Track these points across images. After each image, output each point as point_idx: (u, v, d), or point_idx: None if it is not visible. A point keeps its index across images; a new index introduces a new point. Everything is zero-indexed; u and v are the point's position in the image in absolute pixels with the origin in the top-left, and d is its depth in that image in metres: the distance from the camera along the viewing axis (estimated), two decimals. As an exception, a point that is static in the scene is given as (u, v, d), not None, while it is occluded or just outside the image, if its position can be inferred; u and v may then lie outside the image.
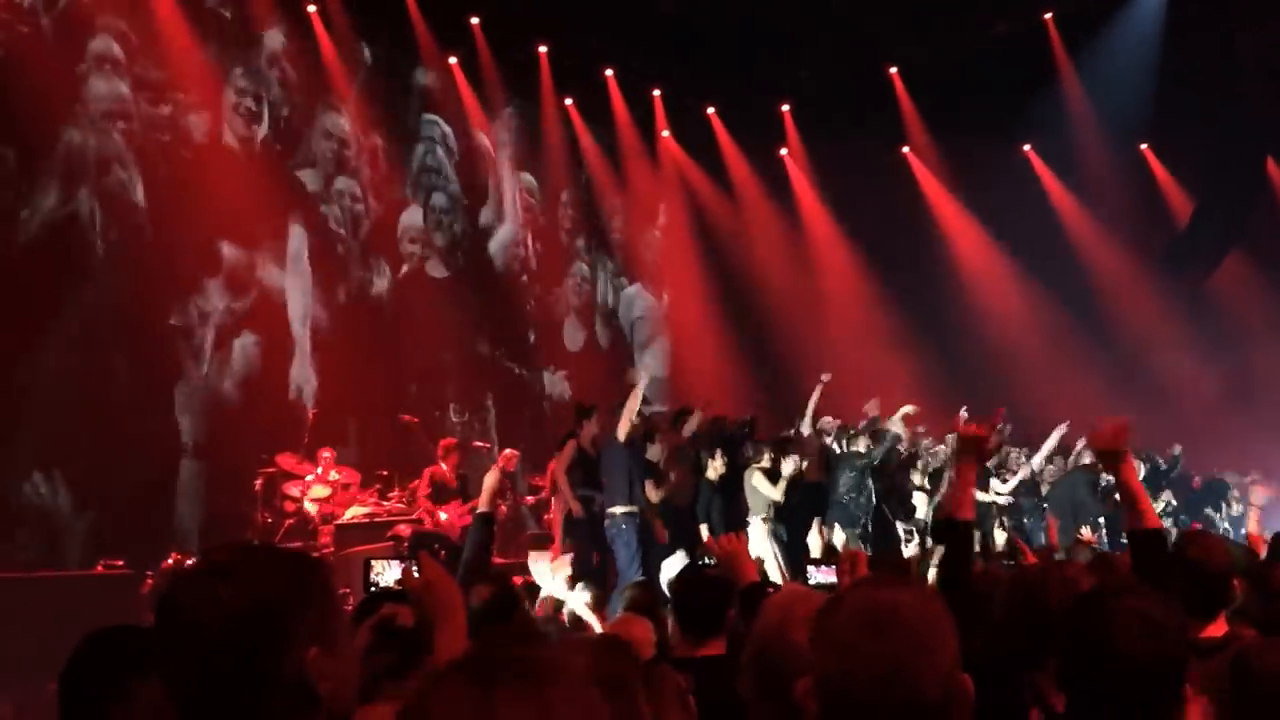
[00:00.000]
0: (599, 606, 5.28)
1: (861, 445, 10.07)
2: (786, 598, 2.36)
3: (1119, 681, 1.90)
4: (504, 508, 11.19)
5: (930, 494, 10.54)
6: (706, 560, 3.92)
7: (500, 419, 13.55)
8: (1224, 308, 15.63)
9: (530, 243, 14.72)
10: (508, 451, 11.65)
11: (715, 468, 9.47)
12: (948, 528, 3.21)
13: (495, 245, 14.34)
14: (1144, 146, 16.46)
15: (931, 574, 5.79)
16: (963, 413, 10.65)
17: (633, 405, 8.91)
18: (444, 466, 9.97)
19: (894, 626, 1.47)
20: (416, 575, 2.48)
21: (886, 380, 13.68)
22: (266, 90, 11.96)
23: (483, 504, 4.43)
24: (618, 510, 8.77)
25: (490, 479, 4.51)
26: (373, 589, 3.17)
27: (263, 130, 11.91)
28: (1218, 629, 3.03)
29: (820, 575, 6.16)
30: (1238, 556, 3.67)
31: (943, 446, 11.41)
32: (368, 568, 3.74)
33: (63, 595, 7.75)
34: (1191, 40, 13.83)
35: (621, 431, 8.91)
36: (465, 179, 14.07)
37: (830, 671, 1.50)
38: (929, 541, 9.64)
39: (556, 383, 14.58)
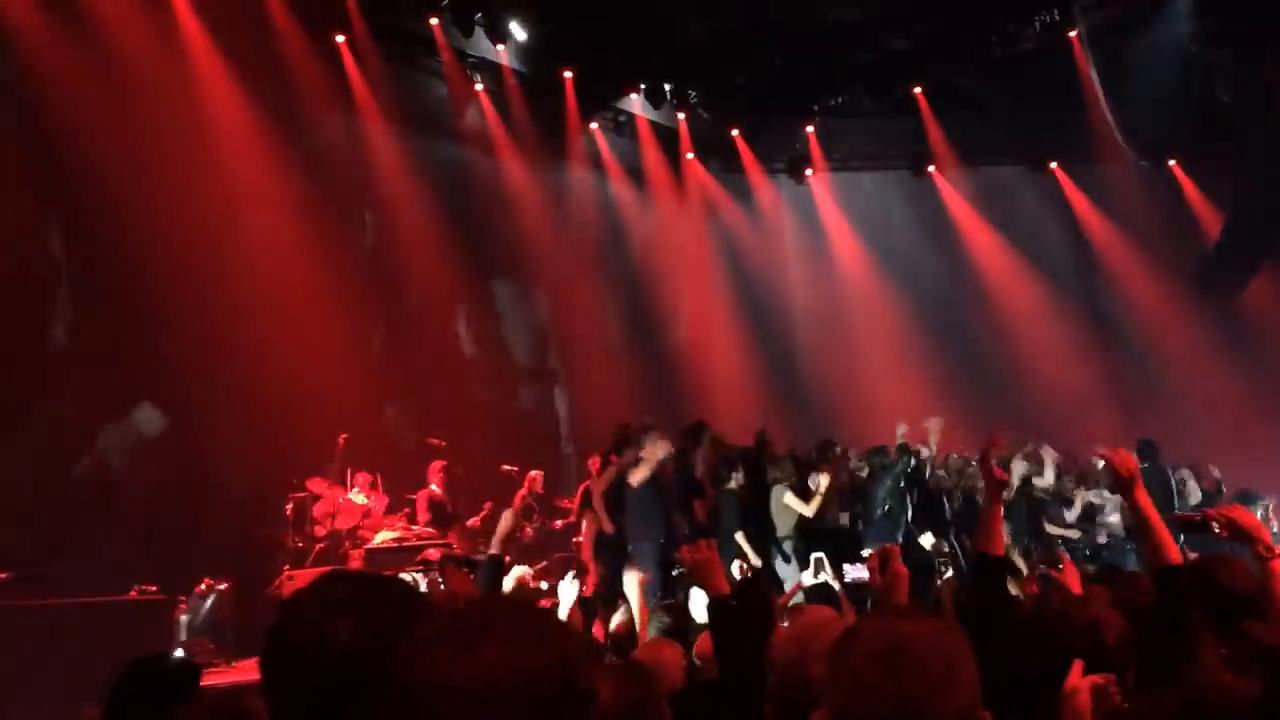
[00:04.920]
0: (628, 629, 5.28)
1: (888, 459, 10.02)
2: (807, 628, 2.37)
3: None
4: (530, 530, 11.21)
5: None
6: (679, 569, 3.89)
7: (523, 441, 13.58)
8: (1255, 324, 15.45)
9: (555, 264, 14.79)
10: (532, 473, 11.71)
11: (736, 479, 9.42)
12: (979, 563, 3.29)
13: (521, 266, 14.44)
14: (1173, 163, 16.35)
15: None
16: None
17: (651, 459, 8.87)
18: (435, 488, 10.14)
19: (908, 662, 1.44)
20: (442, 587, 2.52)
21: (914, 400, 13.61)
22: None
23: (494, 546, 4.30)
24: (643, 543, 8.79)
25: (504, 522, 4.36)
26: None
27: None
28: None
29: (854, 573, 6.16)
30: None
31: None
32: (397, 582, 3.82)
33: (97, 621, 7.82)
34: (1219, 55, 13.75)
35: (636, 479, 8.88)
36: (489, 203, 14.17)
37: (844, 706, 1.47)
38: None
39: (578, 404, 14.62)
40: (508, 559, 4.48)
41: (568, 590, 5.02)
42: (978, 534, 3.37)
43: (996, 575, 3.25)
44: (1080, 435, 12.53)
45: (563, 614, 4.97)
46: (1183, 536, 3.55)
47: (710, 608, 3.20)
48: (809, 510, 9.34)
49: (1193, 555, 4.22)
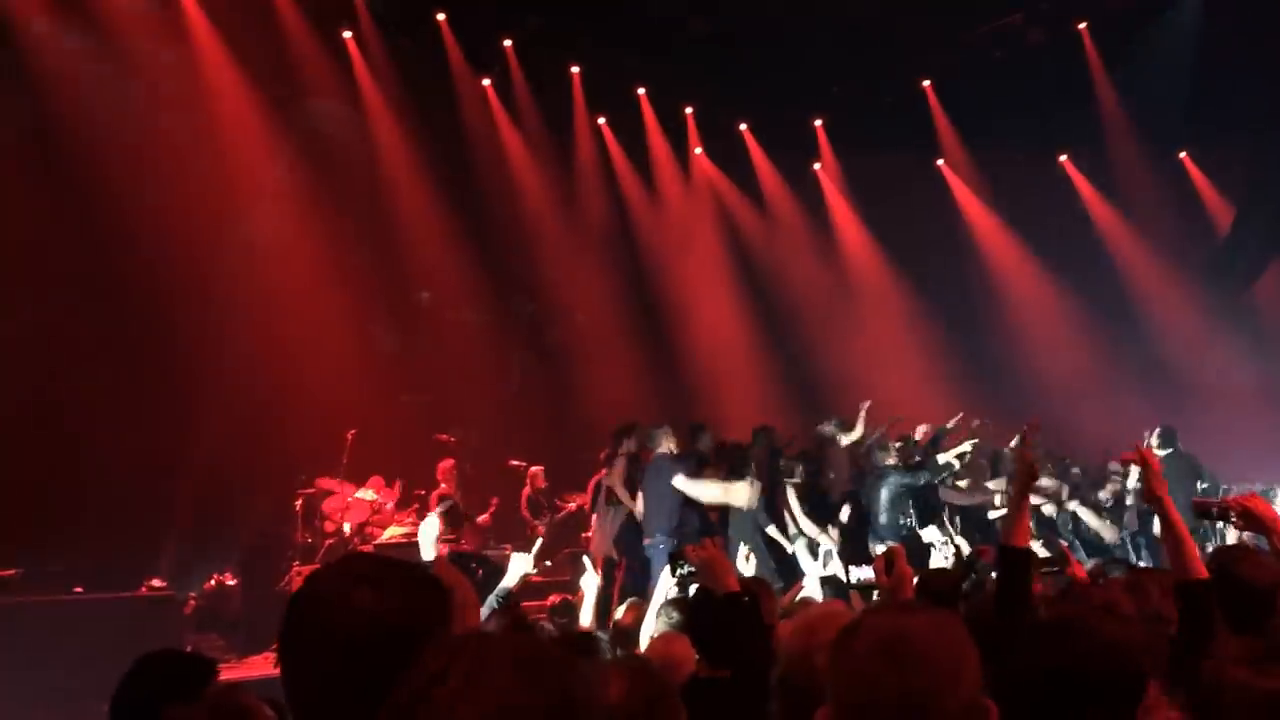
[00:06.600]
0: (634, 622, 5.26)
1: (893, 459, 9.95)
2: (812, 621, 2.35)
3: None
4: (541, 528, 11.21)
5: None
6: (687, 568, 3.87)
7: (532, 438, 13.59)
8: (1266, 318, 15.39)
9: (563, 258, 14.78)
10: (533, 469, 11.73)
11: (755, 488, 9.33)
12: (1004, 555, 3.24)
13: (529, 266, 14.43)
14: (1183, 155, 16.26)
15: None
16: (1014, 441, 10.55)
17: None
18: (445, 487, 10.25)
19: (910, 655, 1.43)
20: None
21: (922, 394, 13.59)
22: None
23: (424, 553, 4.38)
24: (658, 536, 8.71)
25: (427, 527, 4.50)
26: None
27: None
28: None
29: (861, 573, 6.14)
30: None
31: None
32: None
33: (108, 616, 7.85)
34: (1228, 47, 13.66)
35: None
36: (497, 197, 14.16)
37: (847, 702, 1.46)
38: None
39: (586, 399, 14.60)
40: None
41: (590, 581, 5.05)
42: (1003, 526, 3.34)
43: (1021, 569, 3.20)
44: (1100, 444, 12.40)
45: (586, 612, 4.98)
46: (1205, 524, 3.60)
47: (719, 604, 3.19)
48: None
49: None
